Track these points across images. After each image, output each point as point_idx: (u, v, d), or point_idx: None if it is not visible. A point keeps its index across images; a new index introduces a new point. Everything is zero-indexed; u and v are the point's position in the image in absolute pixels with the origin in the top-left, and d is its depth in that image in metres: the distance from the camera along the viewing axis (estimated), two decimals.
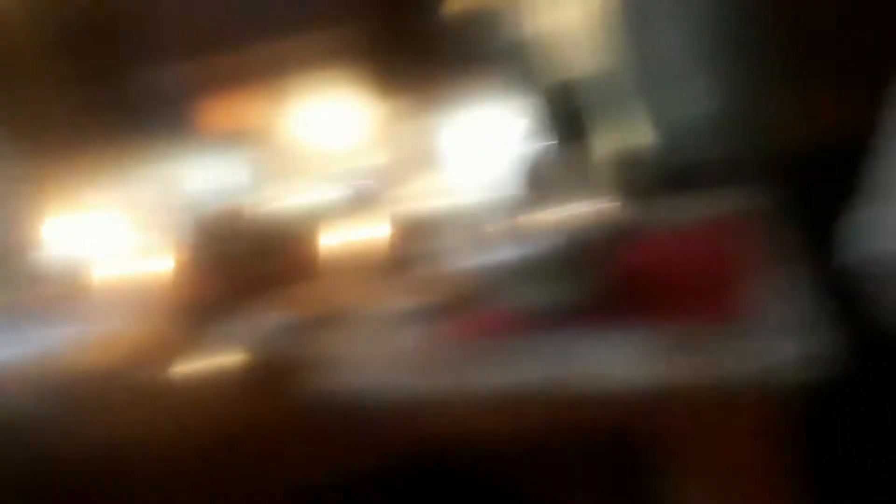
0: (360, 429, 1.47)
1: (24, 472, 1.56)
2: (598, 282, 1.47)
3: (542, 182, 2.01)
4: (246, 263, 1.88)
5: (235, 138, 2.48)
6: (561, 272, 1.48)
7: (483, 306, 1.54)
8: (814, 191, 1.75)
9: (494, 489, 1.56)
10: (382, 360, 1.52)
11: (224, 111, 2.53)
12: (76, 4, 2.48)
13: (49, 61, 2.47)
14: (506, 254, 1.52)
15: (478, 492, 1.57)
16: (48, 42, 2.45)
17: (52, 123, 2.43)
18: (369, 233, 1.96)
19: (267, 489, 1.50)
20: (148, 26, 2.52)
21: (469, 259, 1.68)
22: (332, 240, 1.94)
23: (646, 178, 1.97)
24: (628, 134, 2.08)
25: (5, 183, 2.32)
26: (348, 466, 1.47)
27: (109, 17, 2.48)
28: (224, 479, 1.54)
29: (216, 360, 1.68)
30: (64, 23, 2.45)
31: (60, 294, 2.15)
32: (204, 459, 1.52)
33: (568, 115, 2.10)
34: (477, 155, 2.21)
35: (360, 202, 2.20)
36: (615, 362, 1.36)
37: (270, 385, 1.56)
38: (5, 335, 1.91)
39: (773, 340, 1.27)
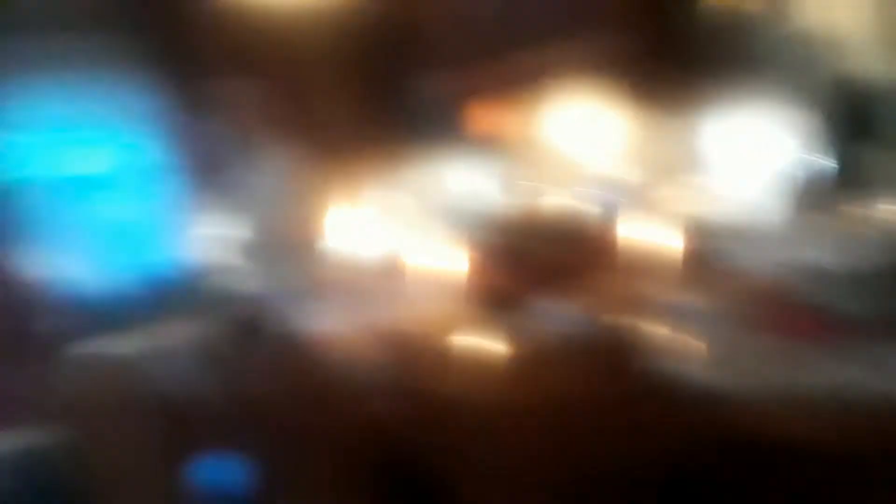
0: (667, 416, 1.57)
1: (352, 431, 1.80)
2: None
3: (819, 188, 2.02)
4: (540, 256, 2.03)
5: (501, 142, 2.66)
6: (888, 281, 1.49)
7: (796, 309, 1.59)
8: None
9: (793, 489, 1.60)
10: (689, 352, 1.62)
11: (490, 116, 2.72)
12: (359, 17, 2.75)
13: (335, 70, 2.76)
14: (819, 259, 1.56)
15: (775, 490, 1.61)
16: (335, 51, 2.74)
17: (338, 125, 2.71)
18: (648, 233, 2.06)
19: (577, 467, 1.63)
20: (422, 37, 2.75)
21: (771, 261, 1.73)
22: (620, 237, 2.06)
23: None
24: None
25: (297, 179, 2.60)
26: (656, 450, 1.57)
27: (389, 28, 2.73)
28: (528, 455, 1.69)
29: (510, 344, 1.84)
30: (349, 34, 2.72)
31: (351, 279, 2.41)
32: (514, 435, 1.68)
33: (851, 117, 2.08)
34: (748, 158, 2.24)
35: (629, 204, 2.29)
36: None
37: (572, 368, 1.70)
38: (304, 313, 2.18)
39: None
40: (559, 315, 1.81)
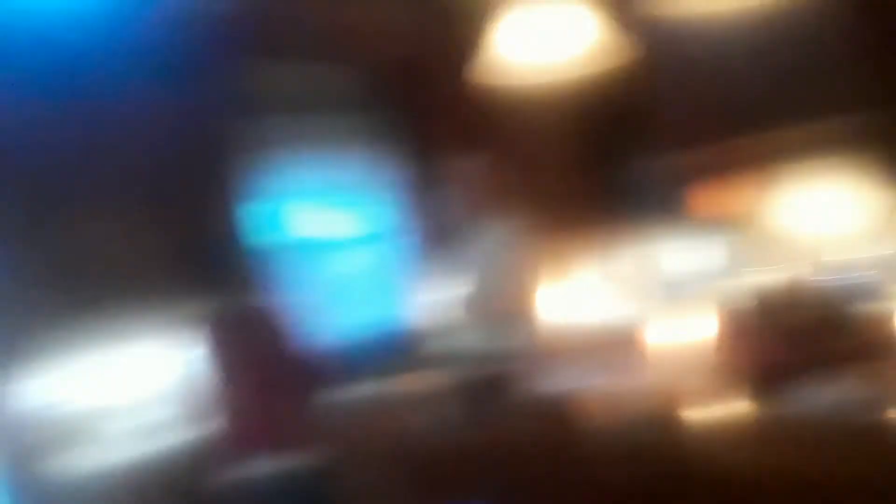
0: None
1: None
2: None
3: None
4: (810, 335, 1.96)
5: (728, 225, 2.62)
6: None
7: None
8: None
9: None
10: None
11: (718, 198, 2.69)
12: (588, 97, 2.84)
13: (562, 147, 2.86)
14: None
15: None
16: (563, 129, 2.84)
17: (561, 200, 2.80)
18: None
19: None
20: (650, 116, 2.80)
21: None
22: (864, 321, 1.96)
23: None
24: None
25: (511, 251, 2.66)
26: None
27: (617, 107, 2.81)
28: None
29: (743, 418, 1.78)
30: (577, 112, 2.83)
31: (573, 346, 2.43)
32: None
33: None
34: None
35: (872, 287, 2.18)
36: None
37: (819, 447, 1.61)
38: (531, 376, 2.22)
39: None
40: (827, 396, 1.74)
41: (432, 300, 2.55)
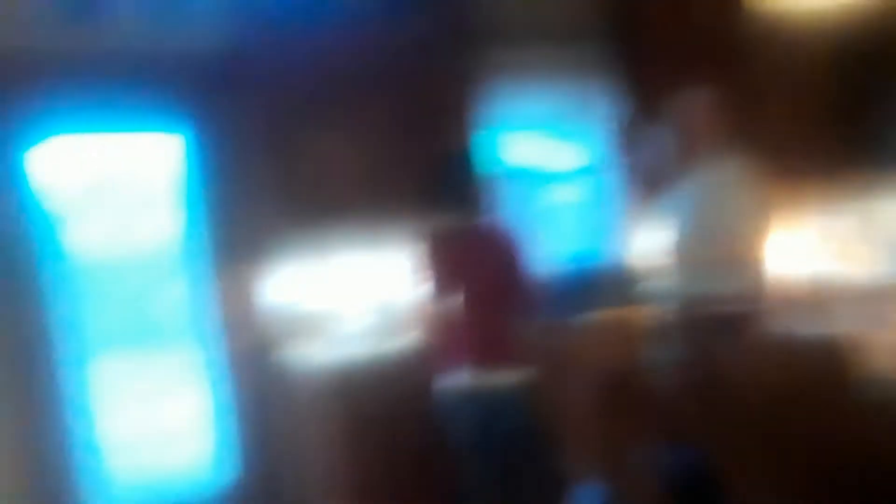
0: None
1: None
2: None
3: None
4: None
5: None
6: None
7: None
8: None
9: None
10: None
11: None
12: (844, 27, 2.56)
13: (809, 80, 2.61)
14: None
15: None
16: (811, 60, 2.60)
17: (798, 140, 2.57)
18: None
19: None
20: None
21: None
22: None
23: None
24: None
25: (746, 196, 2.47)
26: None
27: (886, 46, 2.50)
28: None
29: None
30: (839, 48, 2.56)
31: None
32: None
33: None
34: None
35: None
36: None
37: None
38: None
39: None
40: None
41: (646, 236, 2.49)
